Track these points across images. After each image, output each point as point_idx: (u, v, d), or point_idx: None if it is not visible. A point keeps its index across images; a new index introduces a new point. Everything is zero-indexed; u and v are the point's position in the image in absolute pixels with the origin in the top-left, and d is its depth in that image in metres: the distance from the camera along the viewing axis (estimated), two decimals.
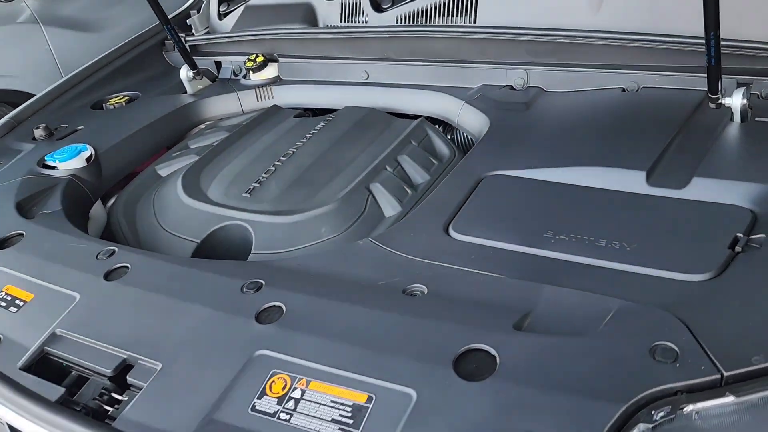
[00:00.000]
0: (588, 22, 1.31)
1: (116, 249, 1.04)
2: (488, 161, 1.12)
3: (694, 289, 0.79)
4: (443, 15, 1.52)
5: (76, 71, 1.73)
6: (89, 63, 1.77)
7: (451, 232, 0.96)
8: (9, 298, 0.99)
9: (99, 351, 0.89)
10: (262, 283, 0.90)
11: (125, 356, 0.87)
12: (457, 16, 1.50)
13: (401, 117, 1.49)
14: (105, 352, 0.88)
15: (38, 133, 1.50)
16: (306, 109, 1.68)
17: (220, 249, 1.20)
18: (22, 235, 1.13)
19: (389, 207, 1.18)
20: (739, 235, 0.85)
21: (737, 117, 1.09)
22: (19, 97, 3.26)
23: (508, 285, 0.84)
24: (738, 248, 0.83)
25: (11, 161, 1.42)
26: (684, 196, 0.95)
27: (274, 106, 1.62)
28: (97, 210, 1.41)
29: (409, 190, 1.21)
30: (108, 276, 0.98)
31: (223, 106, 1.66)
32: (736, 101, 1.07)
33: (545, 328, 0.76)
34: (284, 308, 0.85)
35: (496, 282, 0.85)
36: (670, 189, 0.97)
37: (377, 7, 1.62)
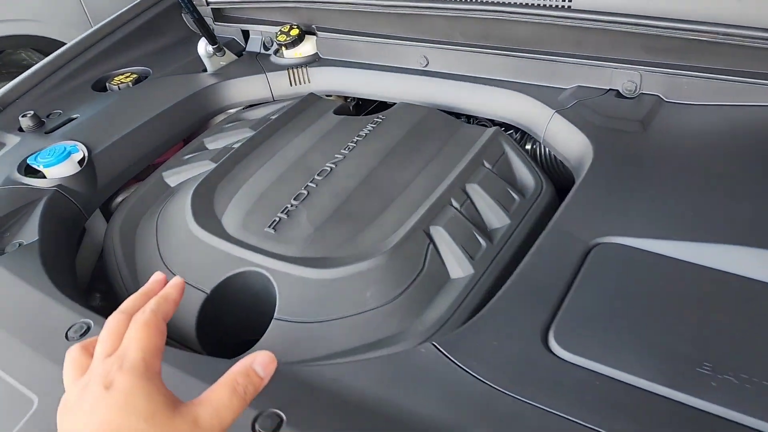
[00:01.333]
0: (733, 11, 0.96)
1: (91, 324, 0.78)
2: (598, 218, 0.81)
3: None
4: None
5: (78, 38, 1.44)
6: (97, 27, 1.47)
7: (553, 346, 0.67)
8: None
9: None
10: (282, 419, 0.63)
11: None
12: None
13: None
14: None
15: (25, 122, 1.23)
16: (359, 100, 1.38)
17: (233, 306, 0.94)
18: None
19: (456, 265, 0.89)
20: None
21: None
22: (49, 44, 3.04)
23: None
24: None
25: None
26: None
27: (311, 95, 1.31)
28: (96, 223, 1.16)
29: (482, 241, 0.91)
30: None
31: (250, 89, 1.36)
32: None
33: None
34: None
35: None
36: None
37: None
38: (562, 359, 0.66)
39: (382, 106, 1.47)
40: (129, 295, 0.95)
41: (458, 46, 1.20)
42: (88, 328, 0.77)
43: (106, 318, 0.78)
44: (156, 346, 0.54)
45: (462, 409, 0.62)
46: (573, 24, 1.04)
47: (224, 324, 0.95)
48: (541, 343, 0.68)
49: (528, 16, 1.07)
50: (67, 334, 0.77)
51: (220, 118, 1.40)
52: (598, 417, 0.59)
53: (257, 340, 0.93)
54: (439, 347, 0.69)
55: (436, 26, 1.22)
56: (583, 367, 0.65)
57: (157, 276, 0.65)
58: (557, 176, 1.09)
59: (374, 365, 0.69)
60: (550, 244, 0.79)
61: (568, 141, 1.01)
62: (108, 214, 1.23)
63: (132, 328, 0.54)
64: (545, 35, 1.09)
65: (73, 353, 0.58)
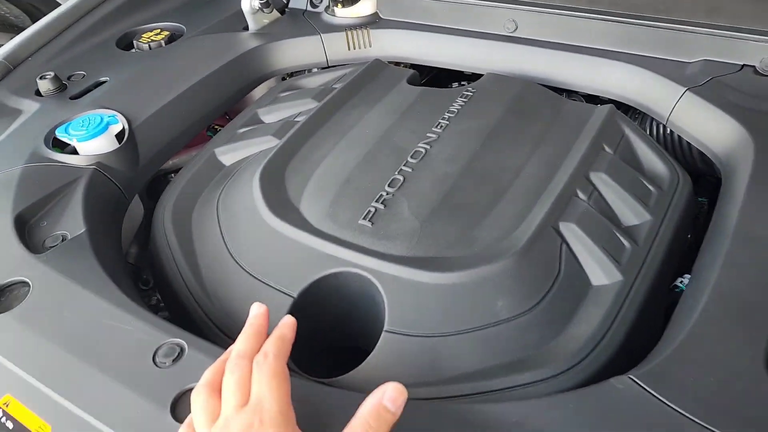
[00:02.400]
0: None
1: (185, 346, 0.62)
2: None
3: None
4: None
5: None
6: None
7: None
8: (9, 425, 0.59)
9: None
10: None
11: None
12: None
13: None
14: None
15: (44, 85, 1.03)
16: (414, 66, 1.21)
17: (327, 312, 0.79)
18: (27, 285, 0.71)
19: (599, 270, 0.75)
20: None
21: None
22: None
23: None
24: None
25: (6, 131, 0.97)
26: None
27: (377, 61, 1.14)
28: (133, 206, 0.98)
29: (625, 241, 0.78)
30: (176, 407, 0.57)
31: (302, 53, 1.18)
32: None
33: None
34: None
35: None
36: None
37: None
38: None
39: (435, 76, 1.31)
40: (192, 295, 0.81)
41: (555, 9, 1.05)
42: (181, 350, 0.61)
43: (191, 333, 0.64)
44: (288, 393, 0.53)
45: None
46: None
47: (314, 332, 0.80)
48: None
49: None
50: (155, 358, 0.61)
51: (263, 86, 1.22)
52: None
53: (357, 348, 0.79)
54: (639, 382, 0.56)
55: None
56: None
57: (260, 309, 0.63)
58: (684, 165, 0.96)
59: (564, 404, 0.55)
60: (742, 253, 0.66)
61: (708, 125, 0.87)
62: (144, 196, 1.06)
63: (261, 377, 0.53)
64: (669, 0, 0.95)
65: (204, 395, 0.54)
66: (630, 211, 0.82)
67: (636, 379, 0.56)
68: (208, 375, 0.55)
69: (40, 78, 1.03)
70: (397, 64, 1.23)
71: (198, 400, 0.53)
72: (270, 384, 0.52)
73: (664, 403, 0.54)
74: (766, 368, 0.56)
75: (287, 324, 0.61)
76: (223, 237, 0.85)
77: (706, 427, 0.52)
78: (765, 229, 0.68)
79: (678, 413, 0.53)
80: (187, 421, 0.54)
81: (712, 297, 0.62)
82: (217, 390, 0.54)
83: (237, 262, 0.82)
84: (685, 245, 0.86)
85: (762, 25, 0.91)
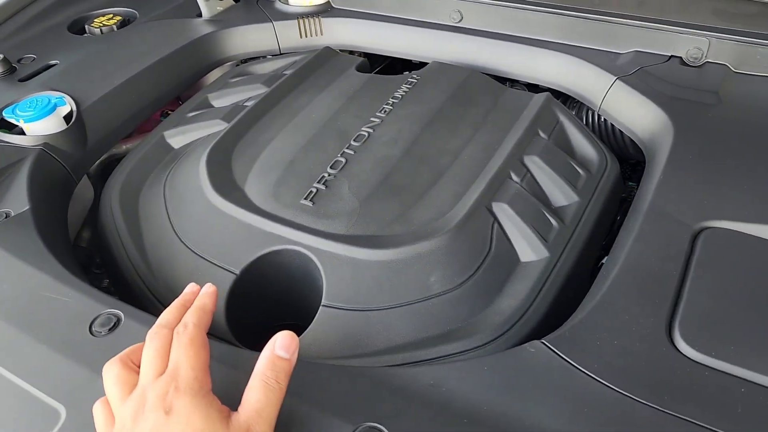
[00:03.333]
0: None
1: (122, 316, 0.64)
2: (697, 200, 0.73)
3: None
4: None
5: None
6: None
7: (681, 345, 0.59)
8: None
9: None
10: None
11: None
12: None
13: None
14: None
15: None
16: (364, 55, 1.24)
17: (268, 289, 0.81)
18: None
19: (527, 247, 0.79)
20: None
21: None
22: None
23: None
24: None
25: None
26: None
27: (327, 48, 1.16)
28: (83, 189, 0.99)
29: (552, 220, 0.82)
30: None
31: (254, 40, 1.20)
32: None
33: None
34: None
35: None
36: None
37: None
38: (695, 361, 0.58)
39: (390, 64, 1.34)
40: (137, 274, 0.83)
41: (499, 1, 1.09)
42: (118, 321, 0.63)
43: (132, 306, 0.66)
44: (205, 361, 0.54)
45: (595, 422, 0.53)
46: None
47: (256, 308, 0.82)
48: (669, 343, 0.59)
49: None
50: (91, 328, 0.63)
51: (217, 71, 1.24)
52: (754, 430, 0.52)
53: (296, 325, 0.82)
54: (550, 346, 0.60)
55: None
56: (721, 371, 0.57)
57: (192, 288, 0.64)
58: (618, 151, 1.01)
59: (478, 367, 0.59)
60: (653, 229, 0.70)
61: (635, 112, 0.92)
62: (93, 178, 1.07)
63: (179, 346, 0.54)
64: None
65: (116, 369, 0.54)
66: (559, 193, 0.86)
67: (547, 343, 0.60)
68: (124, 351, 0.56)
69: None
70: (351, 53, 1.26)
71: (110, 373, 0.53)
72: (187, 352, 0.53)
73: (572, 364, 0.58)
74: (666, 333, 0.60)
75: (208, 293, 0.61)
76: (168, 217, 0.87)
77: (610, 387, 0.56)
78: (674, 205, 0.72)
79: (584, 374, 0.57)
80: (101, 399, 0.54)
81: (622, 268, 0.66)
82: (131, 364, 0.55)
83: (182, 241, 0.84)
84: (613, 225, 0.91)
85: (689, 19, 0.97)
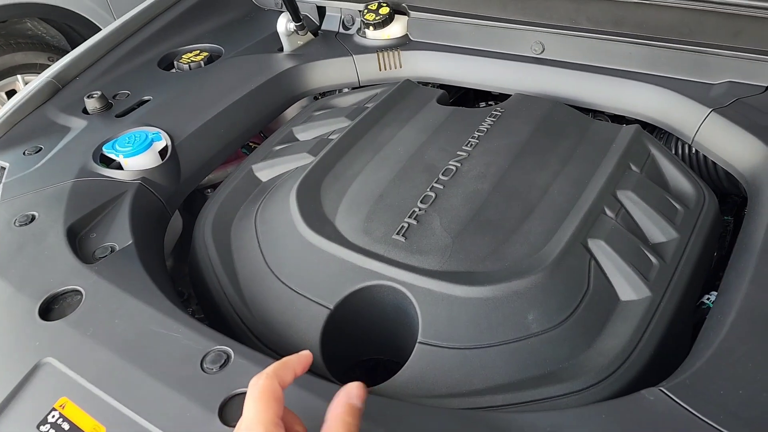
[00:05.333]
0: None
1: (232, 353, 0.65)
2: None
3: None
4: None
5: (137, 10, 1.29)
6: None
7: None
8: (65, 426, 0.62)
9: None
10: None
11: None
12: None
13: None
14: None
15: (91, 104, 1.09)
16: (442, 86, 1.25)
17: (361, 324, 0.82)
18: (80, 294, 0.75)
19: (627, 285, 0.77)
20: None
21: None
22: (59, 14, 2.80)
23: None
24: None
25: (56, 146, 1.02)
26: None
27: (407, 81, 1.18)
28: (173, 221, 1.02)
29: (652, 258, 0.80)
30: (224, 411, 0.61)
31: (335, 73, 1.23)
32: None
33: None
34: None
35: None
36: None
37: None
38: None
39: (462, 97, 1.35)
40: (233, 308, 0.84)
41: (582, 32, 1.08)
42: (228, 357, 0.65)
43: (241, 343, 0.67)
44: (275, 414, 0.54)
45: None
46: (734, 11, 0.92)
47: (349, 343, 0.83)
48: None
49: (679, 1, 0.95)
50: (202, 364, 0.64)
51: (299, 104, 1.26)
52: None
53: (391, 361, 0.81)
54: (670, 394, 0.58)
55: (556, 8, 1.09)
56: None
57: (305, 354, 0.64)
58: (710, 184, 0.98)
59: (596, 414, 0.57)
60: (763, 264, 0.68)
61: (733, 145, 0.89)
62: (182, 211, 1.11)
63: (250, 397, 0.55)
64: (695, 23, 0.98)
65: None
66: (657, 229, 0.84)
67: (666, 391, 0.58)
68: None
69: (88, 97, 1.09)
70: (427, 84, 1.27)
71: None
72: (257, 405, 0.54)
73: (695, 415, 0.56)
74: None
75: (300, 354, 0.62)
76: (261, 250, 0.89)
77: None
78: None
79: (708, 425, 0.55)
80: None
81: (740, 312, 0.64)
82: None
83: (275, 274, 0.85)
84: (712, 262, 0.88)
85: None
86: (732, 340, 0.61)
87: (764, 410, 0.55)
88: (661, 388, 0.58)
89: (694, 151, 0.99)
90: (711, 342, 0.62)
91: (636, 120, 1.04)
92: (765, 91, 0.95)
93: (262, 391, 0.55)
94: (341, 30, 1.32)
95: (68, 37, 2.99)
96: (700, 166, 1.00)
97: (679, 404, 0.57)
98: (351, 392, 0.58)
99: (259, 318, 0.82)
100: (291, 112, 1.28)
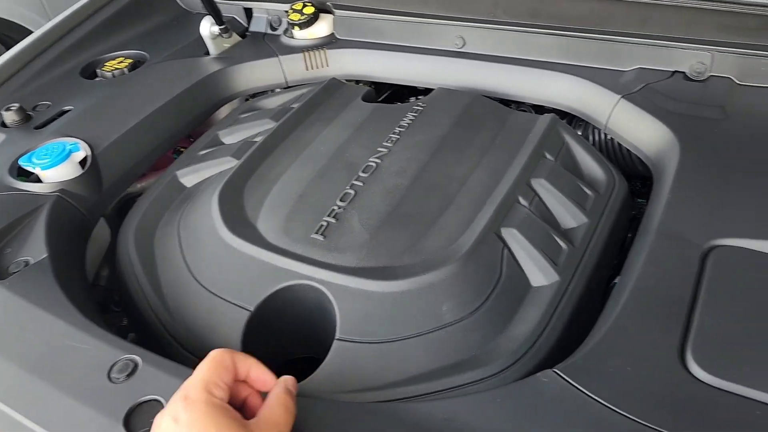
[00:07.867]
0: None
1: (139, 361, 0.65)
2: (706, 218, 0.73)
3: None
4: None
5: (59, 19, 1.27)
6: (78, 6, 1.30)
7: (694, 369, 0.58)
8: None
9: None
10: None
11: None
12: None
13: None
14: None
15: (9, 116, 1.07)
16: (370, 83, 1.26)
17: (283, 324, 0.82)
18: None
19: (537, 272, 0.80)
20: None
21: None
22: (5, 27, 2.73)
23: None
24: None
25: None
26: None
27: (333, 80, 1.18)
28: (100, 230, 1.01)
29: (562, 243, 0.82)
30: (129, 419, 0.61)
31: (261, 75, 1.23)
32: None
33: None
34: None
35: None
36: None
37: None
38: (709, 384, 0.58)
39: (395, 92, 1.36)
40: (156, 316, 0.84)
41: (500, 25, 1.10)
42: (135, 366, 0.65)
43: (149, 350, 0.67)
44: (219, 378, 0.56)
45: None
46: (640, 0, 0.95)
47: (271, 343, 0.83)
48: (681, 367, 0.59)
49: None
50: (110, 374, 0.64)
51: (227, 107, 1.26)
52: None
53: (311, 357, 0.82)
54: (563, 375, 0.60)
55: (475, 2, 1.11)
56: (735, 393, 0.57)
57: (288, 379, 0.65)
58: (626, 169, 1.01)
59: (491, 399, 0.59)
60: (662, 250, 0.70)
61: (641, 129, 0.92)
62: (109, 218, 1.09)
63: (200, 364, 0.58)
64: (605, 13, 1.00)
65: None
66: (568, 215, 0.86)
67: (560, 372, 0.60)
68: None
69: (5, 110, 1.07)
70: (357, 82, 1.27)
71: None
72: (201, 367, 0.57)
73: (585, 394, 0.58)
74: (679, 357, 0.60)
75: (267, 370, 0.62)
76: (183, 256, 0.89)
77: (623, 415, 0.56)
78: (683, 225, 0.72)
79: (597, 402, 0.57)
80: None
81: (633, 292, 0.66)
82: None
83: (196, 279, 0.85)
84: (624, 244, 0.91)
85: (690, 34, 0.97)
86: (624, 319, 0.64)
87: (649, 384, 0.58)
88: (555, 370, 0.60)
89: (609, 137, 1.02)
90: (606, 322, 0.65)
91: (554, 109, 1.07)
92: (672, 75, 0.99)
93: (212, 357, 0.58)
94: (269, 31, 1.32)
95: (8, 47, 2.91)
96: (615, 151, 1.03)
97: (571, 384, 0.59)
98: (287, 380, 0.61)
99: (181, 324, 0.82)
100: (223, 113, 1.27)
